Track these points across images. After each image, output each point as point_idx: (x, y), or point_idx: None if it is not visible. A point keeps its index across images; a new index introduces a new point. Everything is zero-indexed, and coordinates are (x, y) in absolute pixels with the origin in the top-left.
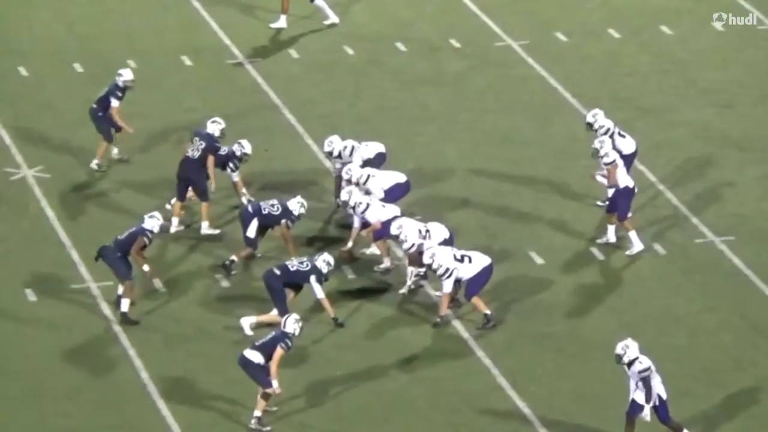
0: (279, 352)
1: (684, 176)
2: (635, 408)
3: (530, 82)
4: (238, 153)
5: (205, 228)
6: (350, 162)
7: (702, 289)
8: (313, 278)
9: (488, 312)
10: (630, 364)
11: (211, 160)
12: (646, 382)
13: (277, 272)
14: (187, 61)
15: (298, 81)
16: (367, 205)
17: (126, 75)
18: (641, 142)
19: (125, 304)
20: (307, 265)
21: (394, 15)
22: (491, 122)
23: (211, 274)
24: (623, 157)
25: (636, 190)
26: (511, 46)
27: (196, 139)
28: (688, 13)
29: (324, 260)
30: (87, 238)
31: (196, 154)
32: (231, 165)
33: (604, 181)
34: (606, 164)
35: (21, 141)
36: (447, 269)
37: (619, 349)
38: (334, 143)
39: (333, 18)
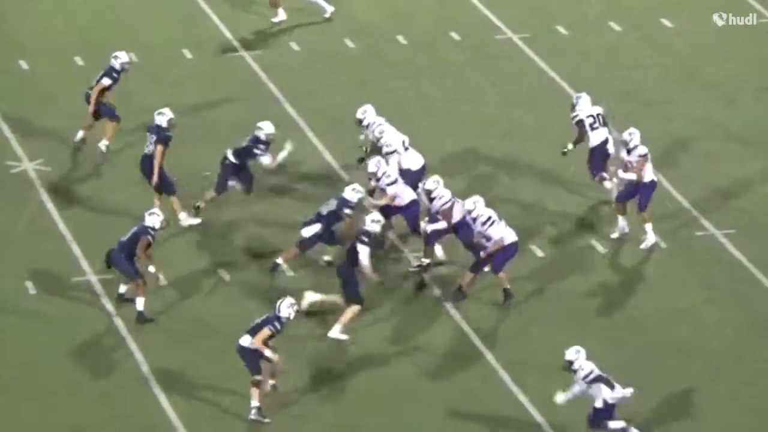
0: (265, 332)
1: (685, 169)
2: (601, 413)
3: (530, 76)
4: (262, 136)
5: (184, 219)
6: (376, 137)
7: (703, 282)
8: (360, 244)
9: (508, 287)
10: (577, 370)
11: (159, 150)
12: (598, 380)
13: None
14: (188, 54)
15: (299, 74)
16: (395, 180)
17: (122, 57)
18: (642, 135)
19: (140, 303)
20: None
21: (394, 8)
22: (492, 115)
23: (214, 269)
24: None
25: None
26: (511, 39)
27: (148, 134)
28: (689, 6)
29: (371, 219)
30: (87, 232)
31: (151, 149)
32: (258, 150)
33: (627, 175)
34: (640, 156)
35: (21, 134)
36: (489, 218)
37: (570, 355)
38: (368, 113)
39: (329, 9)
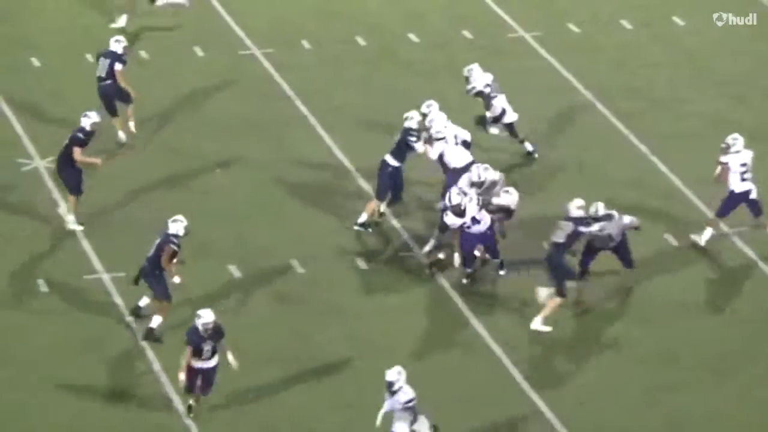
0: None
1: (696, 167)
2: None
3: (543, 73)
4: (414, 125)
5: (71, 223)
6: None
7: (714, 280)
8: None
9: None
10: (397, 392)
11: (77, 152)
12: (412, 411)
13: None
14: (199, 52)
15: (311, 72)
16: (445, 140)
17: (123, 39)
18: (653, 133)
19: (156, 321)
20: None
21: (407, 6)
22: None
23: (224, 265)
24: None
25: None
26: (523, 38)
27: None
28: (700, 4)
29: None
30: (99, 229)
31: (66, 150)
32: (413, 139)
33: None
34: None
35: (33, 132)
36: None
37: (392, 375)
38: (432, 107)
39: (187, 2)
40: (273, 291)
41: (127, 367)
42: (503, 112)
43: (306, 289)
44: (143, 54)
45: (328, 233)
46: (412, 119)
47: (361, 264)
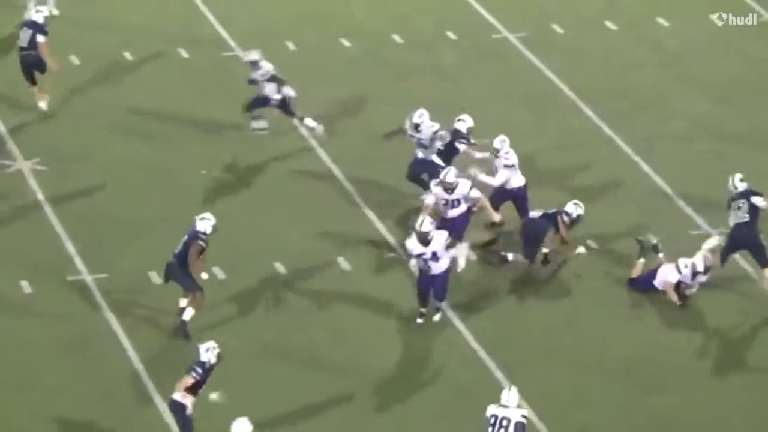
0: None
1: (680, 168)
2: None
3: (527, 75)
4: (464, 129)
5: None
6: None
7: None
8: None
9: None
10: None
11: None
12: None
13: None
14: (184, 53)
15: (295, 73)
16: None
17: (43, 9)
18: (637, 135)
19: (189, 314)
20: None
21: (391, 8)
22: (488, 114)
23: (209, 267)
24: None
25: None
26: (507, 39)
27: None
28: (684, 5)
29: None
30: (83, 231)
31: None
32: (463, 143)
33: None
34: None
35: (17, 133)
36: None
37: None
38: (424, 117)
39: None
40: (256, 293)
41: (110, 367)
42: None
43: (289, 290)
44: (127, 56)
45: (312, 236)
46: (464, 122)
47: (345, 265)
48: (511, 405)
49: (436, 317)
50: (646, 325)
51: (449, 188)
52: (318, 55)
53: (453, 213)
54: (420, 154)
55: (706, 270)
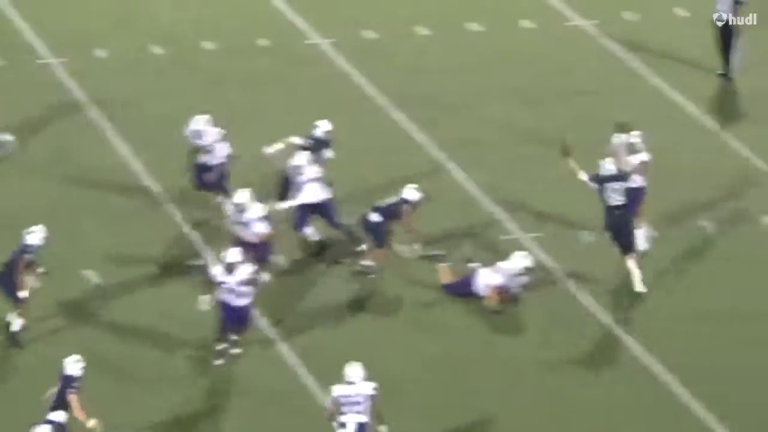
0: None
1: (491, 173)
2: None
3: (338, 81)
4: (321, 135)
5: None
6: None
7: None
8: None
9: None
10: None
11: None
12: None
13: None
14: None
15: (106, 80)
16: None
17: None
18: (448, 139)
19: (17, 324)
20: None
21: (199, 13)
22: (299, 122)
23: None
24: None
25: None
26: (319, 45)
27: None
28: (495, 10)
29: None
30: None
31: None
32: (326, 152)
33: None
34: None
35: None
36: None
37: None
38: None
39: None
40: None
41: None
42: None
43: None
44: None
45: (129, 244)
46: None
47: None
48: (357, 381)
49: (236, 350)
50: (449, 327)
51: (240, 210)
52: (127, 61)
53: (249, 235)
54: (203, 160)
55: (527, 271)
